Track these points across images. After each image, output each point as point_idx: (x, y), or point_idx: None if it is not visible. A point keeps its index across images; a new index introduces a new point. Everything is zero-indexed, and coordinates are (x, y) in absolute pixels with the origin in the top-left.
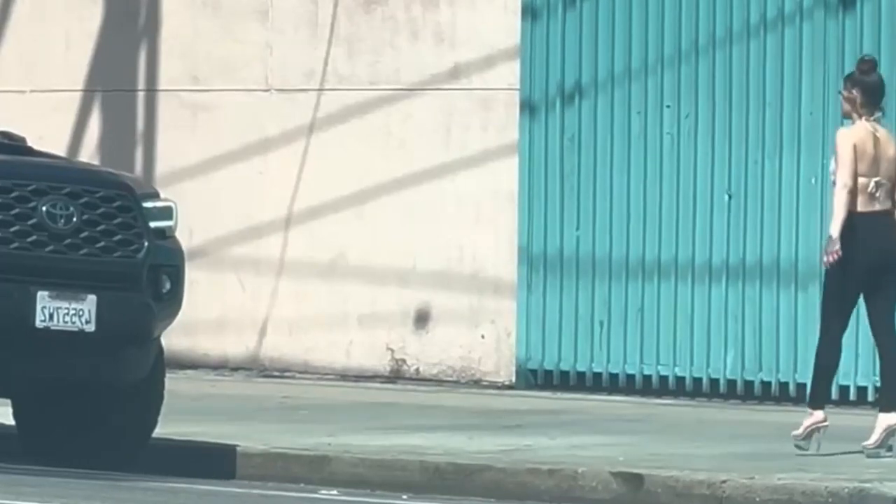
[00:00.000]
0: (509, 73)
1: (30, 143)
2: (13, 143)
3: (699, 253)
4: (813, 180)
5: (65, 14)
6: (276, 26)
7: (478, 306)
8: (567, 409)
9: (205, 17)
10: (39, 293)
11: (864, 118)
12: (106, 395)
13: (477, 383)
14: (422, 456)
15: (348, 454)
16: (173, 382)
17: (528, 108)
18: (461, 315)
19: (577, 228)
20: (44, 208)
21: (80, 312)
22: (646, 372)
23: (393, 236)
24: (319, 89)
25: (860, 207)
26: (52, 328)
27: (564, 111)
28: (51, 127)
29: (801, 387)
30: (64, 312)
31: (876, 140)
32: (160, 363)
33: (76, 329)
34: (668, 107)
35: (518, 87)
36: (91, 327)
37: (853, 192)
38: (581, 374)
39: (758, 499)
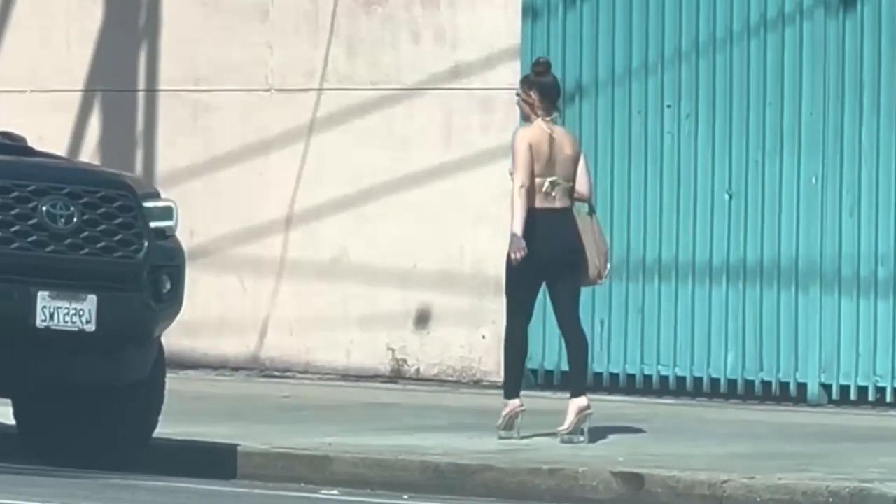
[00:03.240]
0: (510, 74)
1: (30, 143)
2: (13, 143)
3: (699, 253)
4: (813, 180)
5: (65, 14)
6: (276, 26)
7: (478, 306)
8: (568, 410)
9: (205, 17)
10: (40, 293)
11: (541, 118)
12: (106, 395)
13: (477, 383)
14: (422, 456)
15: (349, 454)
16: (173, 382)
17: None
18: (461, 315)
19: None
20: (44, 208)
21: (81, 312)
22: (646, 372)
23: (393, 236)
24: (320, 89)
25: (537, 204)
26: (53, 328)
27: (565, 111)
28: (51, 127)
29: (801, 386)
30: (64, 312)
31: (552, 140)
32: (160, 363)
33: (76, 329)
34: (668, 107)
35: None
36: (91, 327)
37: (530, 191)
38: None
39: (759, 499)
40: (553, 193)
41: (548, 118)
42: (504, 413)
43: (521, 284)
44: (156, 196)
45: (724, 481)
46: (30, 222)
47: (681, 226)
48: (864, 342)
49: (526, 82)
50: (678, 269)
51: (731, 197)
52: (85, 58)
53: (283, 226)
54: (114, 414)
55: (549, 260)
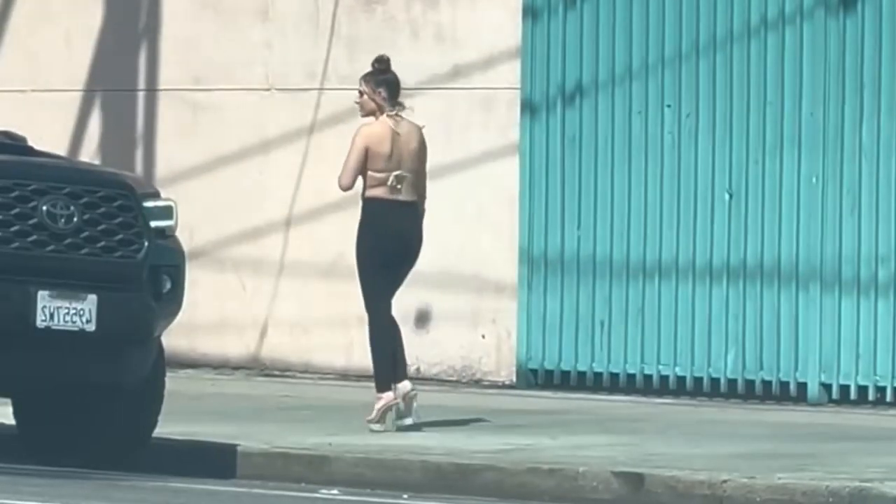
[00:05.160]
0: (510, 73)
1: (30, 143)
2: (13, 143)
3: (699, 253)
4: (814, 180)
5: (65, 14)
6: (276, 26)
7: (478, 306)
8: (568, 409)
9: (205, 17)
10: (40, 293)
11: (386, 115)
12: (106, 395)
13: (478, 383)
14: (422, 456)
15: (349, 454)
16: (173, 382)
17: (529, 108)
18: (462, 315)
19: (578, 228)
20: (44, 208)
21: (81, 312)
22: (646, 372)
23: None
24: (320, 89)
25: (385, 195)
26: (53, 328)
27: (565, 111)
28: (51, 127)
29: (801, 386)
30: (64, 312)
31: (395, 135)
32: (160, 363)
33: (76, 329)
34: (668, 107)
35: (519, 87)
36: (91, 327)
37: (377, 181)
38: (582, 374)
39: (758, 499)
40: (399, 187)
41: (392, 113)
42: (378, 406)
43: (376, 273)
44: (156, 196)
45: (724, 481)
46: (30, 222)
47: (681, 226)
48: (864, 342)
49: (373, 80)
50: (678, 269)
51: (731, 197)
52: (85, 58)
53: (283, 226)
54: (114, 414)
55: (393, 250)
